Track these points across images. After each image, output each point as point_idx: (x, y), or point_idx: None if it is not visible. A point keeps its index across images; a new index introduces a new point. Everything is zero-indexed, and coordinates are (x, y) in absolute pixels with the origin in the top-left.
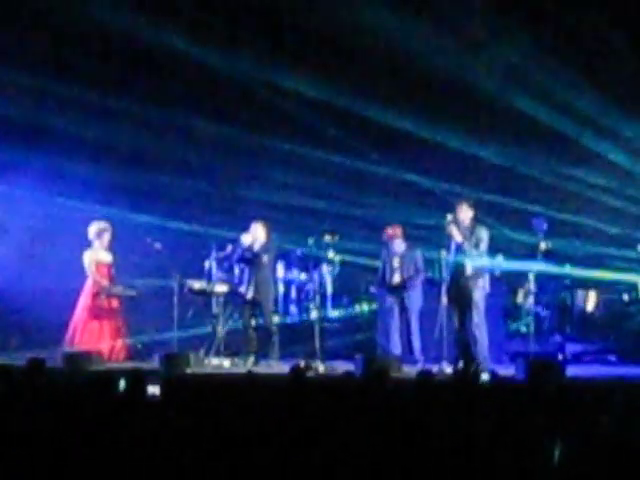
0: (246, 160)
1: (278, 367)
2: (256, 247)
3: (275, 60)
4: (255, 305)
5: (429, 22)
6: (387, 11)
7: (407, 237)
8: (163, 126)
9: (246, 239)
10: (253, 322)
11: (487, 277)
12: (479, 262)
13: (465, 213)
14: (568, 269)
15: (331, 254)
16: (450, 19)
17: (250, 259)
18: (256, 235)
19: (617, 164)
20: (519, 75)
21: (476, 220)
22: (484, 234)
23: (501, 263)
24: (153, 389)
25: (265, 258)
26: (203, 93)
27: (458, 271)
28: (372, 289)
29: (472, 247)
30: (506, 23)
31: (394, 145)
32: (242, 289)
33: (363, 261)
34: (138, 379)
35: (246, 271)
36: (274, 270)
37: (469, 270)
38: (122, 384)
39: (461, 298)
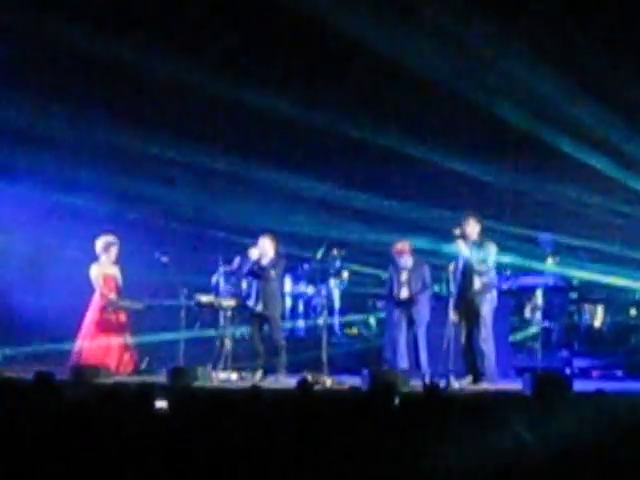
0: (255, 171)
1: (285, 381)
2: (264, 261)
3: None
4: (263, 319)
5: (432, 39)
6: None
7: (414, 252)
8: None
9: (254, 253)
10: (261, 336)
11: (495, 292)
12: (487, 277)
13: (472, 227)
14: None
15: (339, 268)
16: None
17: (258, 273)
18: (264, 249)
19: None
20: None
21: (483, 235)
22: (492, 248)
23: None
24: (161, 403)
25: (273, 272)
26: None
27: (466, 285)
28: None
29: (480, 262)
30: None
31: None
32: (250, 303)
33: (371, 275)
34: (146, 393)
35: (254, 285)
36: (282, 284)
37: (477, 284)
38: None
39: (469, 312)
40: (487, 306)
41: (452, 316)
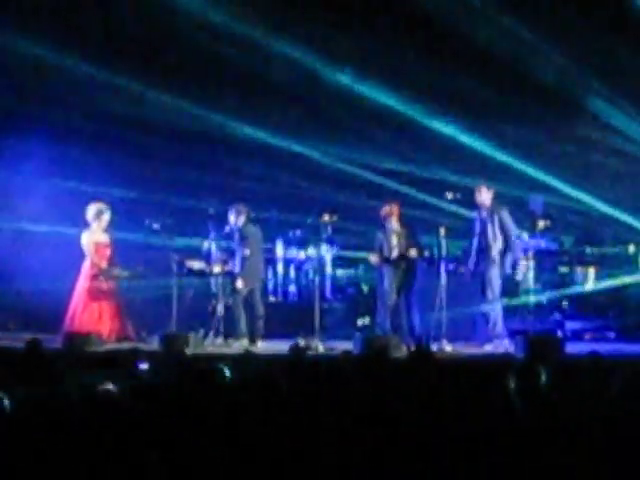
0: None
1: (278, 346)
2: (236, 230)
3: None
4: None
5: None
6: None
7: (402, 215)
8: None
9: (231, 219)
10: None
11: (510, 257)
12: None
13: (485, 195)
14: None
15: (330, 233)
16: None
17: (236, 240)
18: (230, 220)
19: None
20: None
21: (495, 201)
22: (505, 213)
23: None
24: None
25: (247, 240)
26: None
27: (481, 248)
28: (371, 258)
29: (497, 228)
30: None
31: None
32: (231, 268)
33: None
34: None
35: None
36: (259, 251)
37: (494, 251)
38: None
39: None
40: (494, 270)
41: (443, 279)
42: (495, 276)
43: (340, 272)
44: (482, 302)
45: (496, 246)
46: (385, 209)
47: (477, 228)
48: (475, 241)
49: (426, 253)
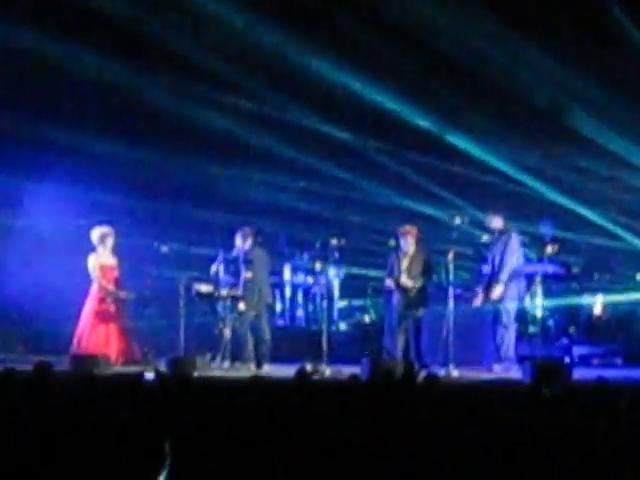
0: (253, 164)
1: (284, 370)
2: (242, 254)
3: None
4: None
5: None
6: None
7: (420, 240)
8: (169, 130)
9: (238, 243)
10: (249, 327)
11: (523, 282)
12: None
13: (496, 222)
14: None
15: (337, 258)
16: None
17: (242, 264)
18: (237, 243)
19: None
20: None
21: (507, 224)
22: (514, 238)
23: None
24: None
25: (251, 264)
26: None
27: (494, 273)
28: (387, 282)
29: (507, 257)
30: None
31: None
32: (237, 292)
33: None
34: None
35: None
36: (265, 275)
37: (505, 275)
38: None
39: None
40: (511, 293)
41: (450, 304)
42: (509, 300)
43: (347, 296)
44: (495, 326)
45: (507, 270)
46: (404, 227)
47: (490, 252)
48: (488, 266)
49: (434, 278)
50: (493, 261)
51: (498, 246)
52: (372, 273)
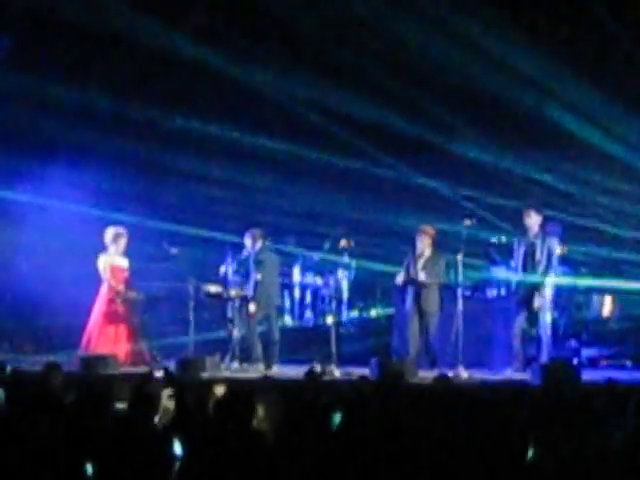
0: (262, 167)
1: (294, 371)
2: (252, 255)
3: (291, 68)
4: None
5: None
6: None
7: (437, 244)
8: (178, 134)
9: (247, 244)
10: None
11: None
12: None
13: (534, 220)
14: (584, 274)
15: (347, 259)
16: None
17: (251, 265)
18: (247, 245)
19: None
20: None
21: (545, 226)
22: (555, 243)
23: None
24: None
25: (261, 265)
26: (218, 101)
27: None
28: (397, 278)
29: (545, 255)
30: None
31: (410, 151)
32: (247, 292)
33: (379, 266)
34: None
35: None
36: (274, 276)
37: (541, 276)
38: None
39: (529, 302)
40: (544, 292)
41: (460, 305)
42: (545, 300)
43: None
44: (531, 326)
45: (541, 271)
46: (422, 227)
47: (520, 251)
48: (519, 264)
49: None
50: (529, 259)
51: (541, 247)
52: (382, 272)
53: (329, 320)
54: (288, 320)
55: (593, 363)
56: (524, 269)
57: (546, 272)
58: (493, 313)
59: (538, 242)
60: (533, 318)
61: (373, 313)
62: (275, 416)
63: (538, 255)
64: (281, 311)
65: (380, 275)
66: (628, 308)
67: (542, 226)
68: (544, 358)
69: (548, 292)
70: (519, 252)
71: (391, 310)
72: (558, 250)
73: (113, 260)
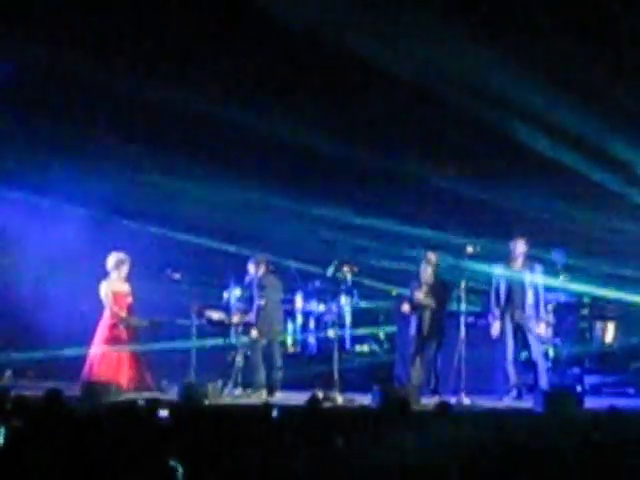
0: (262, 191)
1: (296, 397)
2: (255, 281)
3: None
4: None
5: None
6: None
7: (437, 267)
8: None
9: (250, 270)
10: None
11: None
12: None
13: (522, 247)
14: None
15: (350, 284)
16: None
17: (255, 290)
18: (250, 271)
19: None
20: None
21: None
22: (539, 268)
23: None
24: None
25: (264, 291)
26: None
27: (516, 305)
28: (404, 307)
29: (531, 282)
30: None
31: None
32: (249, 318)
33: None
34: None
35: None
36: (278, 302)
37: (530, 301)
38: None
39: (521, 330)
40: (533, 321)
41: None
42: (535, 327)
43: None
44: (523, 352)
45: (529, 298)
46: (426, 254)
47: (504, 280)
48: (503, 292)
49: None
50: (517, 288)
51: (530, 274)
52: (383, 302)
53: (332, 346)
54: (290, 346)
55: (596, 390)
56: (508, 297)
57: (537, 316)
58: (496, 340)
59: (527, 270)
60: (524, 342)
61: (376, 338)
62: None
63: (527, 282)
64: (284, 337)
65: (383, 299)
66: (631, 335)
67: (527, 257)
68: (544, 385)
69: (542, 328)
70: (500, 281)
71: (393, 334)
72: (562, 277)
73: (115, 286)
